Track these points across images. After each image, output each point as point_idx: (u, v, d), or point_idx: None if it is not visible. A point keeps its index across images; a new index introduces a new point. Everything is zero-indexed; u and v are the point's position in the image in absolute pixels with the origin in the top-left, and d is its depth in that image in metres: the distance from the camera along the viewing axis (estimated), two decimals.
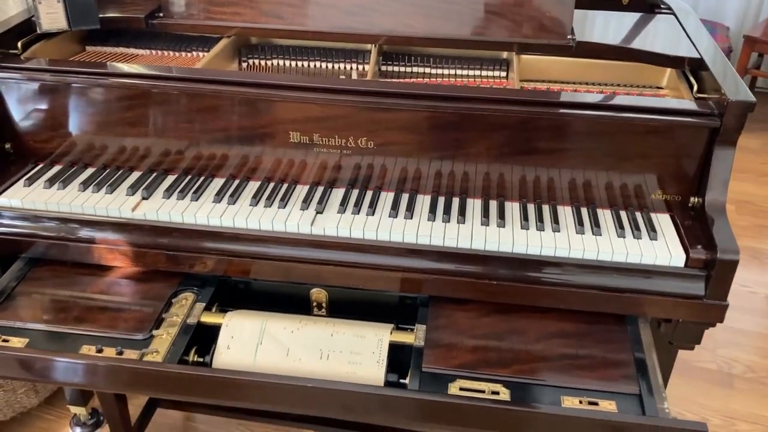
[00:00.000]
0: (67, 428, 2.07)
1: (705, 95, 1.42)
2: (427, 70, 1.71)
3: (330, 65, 1.73)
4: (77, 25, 1.60)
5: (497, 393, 1.24)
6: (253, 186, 1.50)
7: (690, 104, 1.39)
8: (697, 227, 1.37)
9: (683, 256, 1.32)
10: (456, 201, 1.46)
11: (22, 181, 1.50)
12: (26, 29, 1.64)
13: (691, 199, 1.41)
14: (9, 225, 1.46)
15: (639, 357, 1.31)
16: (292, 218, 1.40)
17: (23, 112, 1.54)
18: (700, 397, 2.25)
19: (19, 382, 1.97)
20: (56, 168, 1.56)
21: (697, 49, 1.55)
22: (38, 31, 1.60)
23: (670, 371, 1.54)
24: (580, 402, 1.23)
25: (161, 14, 1.70)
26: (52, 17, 1.55)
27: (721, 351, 2.44)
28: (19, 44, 1.58)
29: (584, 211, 1.44)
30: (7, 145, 1.57)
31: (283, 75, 1.70)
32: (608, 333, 1.36)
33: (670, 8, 1.80)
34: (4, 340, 1.33)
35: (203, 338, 1.38)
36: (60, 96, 1.51)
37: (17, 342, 1.33)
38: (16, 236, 1.46)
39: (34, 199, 1.45)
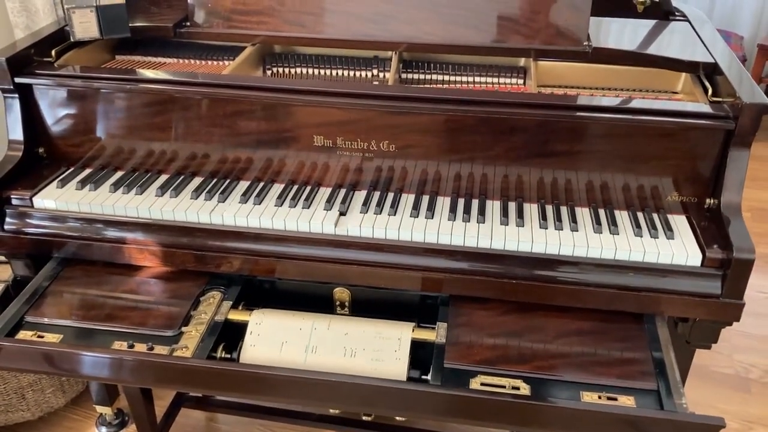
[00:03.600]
0: (93, 428, 2.12)
1: (720, 99, 1.45)
2: (446, 77, 1.75)
3: (352, 73, 1.77)
4: (109, 34, 1.66)
5: (518, 388, 1.27)
6: (278, 188, 1.54)
7: (705, 107, 1.42)
8: (713, 228, 1.40)
9: (700, 256, 1.35)
10: (475, 202, 1.49)
11: (55, 182, 1.56)
12: (59, 38, 1.70)
13: (707, 200, 1.44)
14: (42, 226, 1.52)
15: (657, 354, 1.33)
16: (316, 218, 1.44)
17: (56, 118, 1.60)
18: (717, 401, 2.26)
19: (47, 382, 2.01)
20: (87, 171, 1.61)
21: (711, 54, 1.58)
22: (72, 40, 1.66)
23: (687, 371, 1.56)
24: (599, 397, 1.25)
25: (188, 23, 1.76)
26: (85, 26, 1.61)
27: (739, 356, 2.45)
28: (53, 52, 1.64)
29: (601, 212, 1.47)
30: (41, 149, 1.62)
31: (308, 80, 1.75)
32: (626, 331, 1.39)
33: (684, 15, 1.83)
34: (39, 336, 1.38)
35: (230, 335, 1.42)
36: (91, 102, 1.57)
37: (52, 338, 1.38)
38: (50, 236, 1.52)
39: (67, 199, 1.50)
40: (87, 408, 2.17)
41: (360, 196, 1.52)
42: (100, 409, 2.03)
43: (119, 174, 1.60)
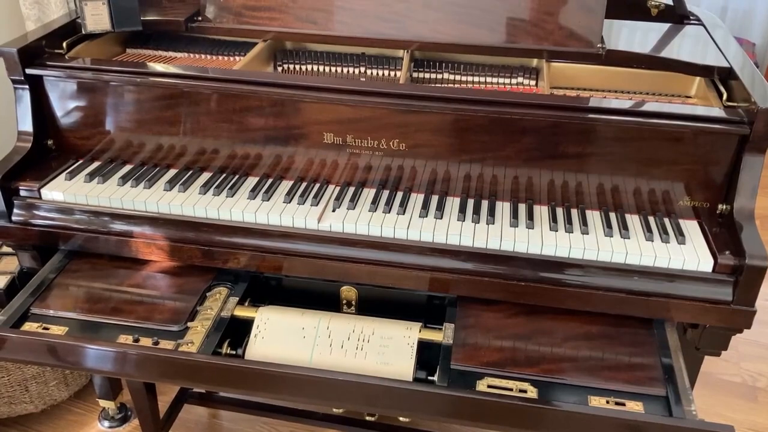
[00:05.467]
0: (96, 422, 2.11)
1: (734, 103, 1.44)
2: (458, 77, 1.74)
3: (363, 71, 1.76)
4: (120, 27, 1.65)
5: (525, 391, 1.26)
6: (286, 184, 1.53)
7: (719, 112, 1.40)
8: (725, 233, 1.38)
9: (711, 261, 1.33)
10: (485, 203, 1.48)
11: (63, 175, 1.55)
12: (70, 30, 1.70)
13: (719, 206, 1.42)
14: (50, 218, 1.51)
15: (666, 360, 1.32)
16: (324, 216, 1.43)
17: (66, 110, 1.59)
18: (723, 409, 2.24)
19: (51, 375, 2.01)
20: (96, 164, 1.61)
21: (726, 59, 1.57)
22: (83, 32, 1.65)
23: (695, 378, 1.54)
24: (607, 402, 1.24)
25: (200, 18, 1.75)
26: (97, 18, 1.60)
27: (746, 364, 2.43)
28: (64, 44, 1.64)
29: (612, 215, 1.45)
30: (50, 141, 1.62)
31: (318, 77, 1.74)
32: (635, 336, 1.37)
33: (699, 19, 1.82)
34: (45, 328, 1.38)
35: (236, 331, 1.42)
36: (101, 94, 1.57)
37: (57, 330, 1.37)
38: (57, 229, 1.51)
39: (75, 192, 1.50)
40: (90, 402, 2.16)
41: (369, 194, 1.51)
42: (103, 403, 2.03)
43: (128, 167, 1.60)
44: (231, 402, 2.02)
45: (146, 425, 1.85)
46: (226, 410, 2.11)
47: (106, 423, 2.10)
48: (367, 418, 1.83)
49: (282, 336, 1.39)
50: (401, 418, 1.76)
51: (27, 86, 1.56)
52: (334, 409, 1.84)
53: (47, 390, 2.03)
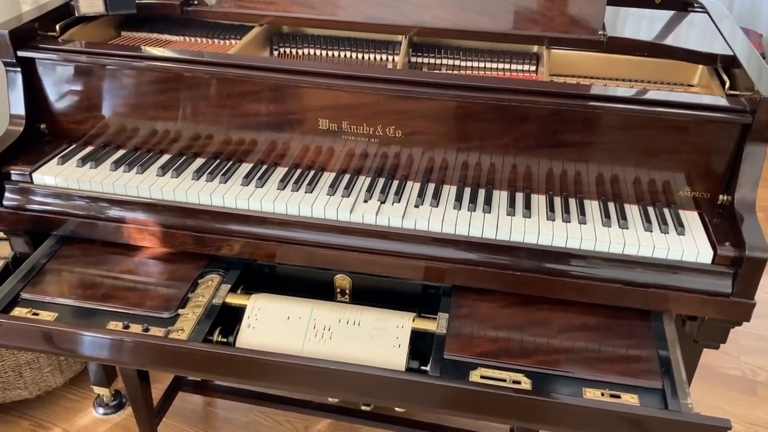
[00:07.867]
0: (91, 408, 2.11)
1: (737, 92, 1.41)
2: (457, 62, 1.71)
3: (360, 55, 1.74)
4: (114, 10, 1.63)
5: (518, 382, 1.24)
6: (280, 171, 1.51)
7: (721, 100, 1.38)
8: (725, 224, 1.36)
9: (710, 253, 1.31)
10: (482, 192, 1.46)
11: (55, 159, 1.53)
12: (64, 13, 1.67)
13: (720, 196, 1.40)
14: (41, 202, 1.50)
15: (663, 353, 1.30)
16: (318, 203, 1.41)
17: (59, 93, 1.57)
18: (723, 403, 2.22)
19: (45, 361, 2.00)
20: (89, 148, 1.59)
21: (730, 47, 1.54)
22: (76, 15, 1.63)
23: (694, 371, 1.52)
24: (602, 394, 1.22)
25: (196, 1, 1.73)
26: (90, 1, 1.58)
27: (746, 358, 2.41)
28: (58, 27, 1.61)
29: (611, 205, 1.43)
30: (42, 125, 1.60)
31: (314, 62, 1.71)
32: (632, 328, 1.35)
33: (703, 7, 1.79)
34: (34, 314, 1.36)
35: (228, 319, 1.40)
36: (95, 78, 1.54)
37: (47, 316, 1.36)
38: (48, 213, 1.49)
39: (67, 176, 1.48)
40: (85, 388, 2.15)
41: (364, 182, 1.48)
42: (97, 390, 2.02)
43: (121, 152, 1.58)
44: (226, 390, 2.01)
45: (140, 413, 1.83)
46: (221, 398, 2.10)
47: (101, 410, 2.09)
48: (363, 407, 1.82)
49: (274, 324, 1.37)
50: (397, 409, 1.75)
51: (19, 69, 1.54)
52: (330, 399, 1.83)
53: (42, 376, 2.02)
